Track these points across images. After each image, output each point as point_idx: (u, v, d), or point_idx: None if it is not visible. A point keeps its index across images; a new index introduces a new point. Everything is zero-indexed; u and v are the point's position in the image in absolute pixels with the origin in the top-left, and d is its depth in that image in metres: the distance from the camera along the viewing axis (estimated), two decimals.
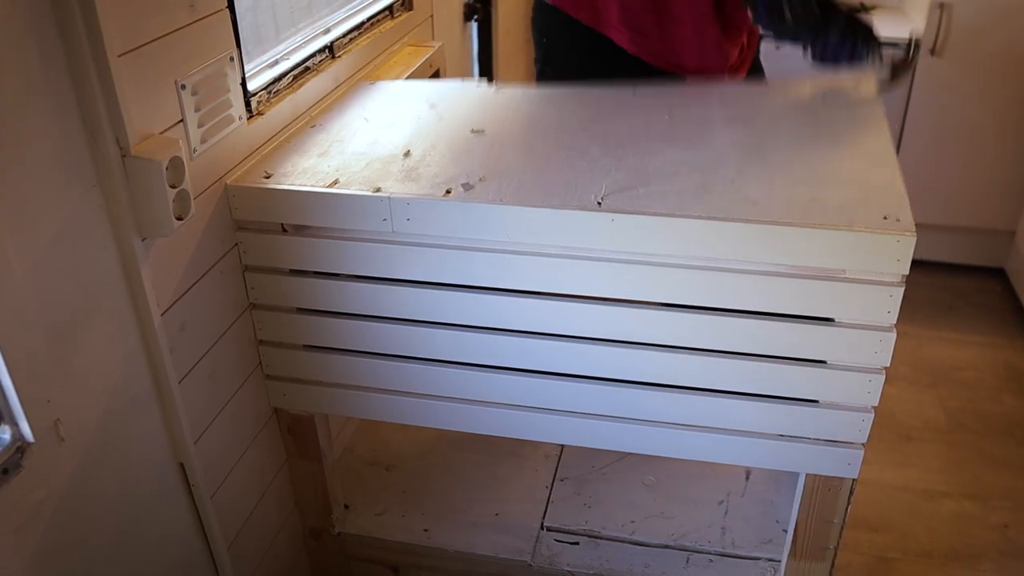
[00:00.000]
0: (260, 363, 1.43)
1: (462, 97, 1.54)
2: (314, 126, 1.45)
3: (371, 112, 1.50)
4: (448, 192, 1.23)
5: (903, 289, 1.16)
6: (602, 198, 1.20)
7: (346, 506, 1.69)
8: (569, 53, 1.60)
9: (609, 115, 1.46)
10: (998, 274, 2.75)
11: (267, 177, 1.29)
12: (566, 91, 1.54)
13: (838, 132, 1.37)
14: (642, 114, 1.44)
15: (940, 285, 2.72)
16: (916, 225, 1.13)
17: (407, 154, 1.34)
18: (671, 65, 1.58)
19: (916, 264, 1.14)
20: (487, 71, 2.49)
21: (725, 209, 1.17)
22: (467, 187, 1.23)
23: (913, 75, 2.49)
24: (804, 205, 1.18)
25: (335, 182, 1.26)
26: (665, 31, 1.54)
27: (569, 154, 1.32)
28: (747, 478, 1.71)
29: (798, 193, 1.21)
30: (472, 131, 1.40)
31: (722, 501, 1.67)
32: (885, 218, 1.15)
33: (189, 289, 1.22)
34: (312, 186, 1.26)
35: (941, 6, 2.40)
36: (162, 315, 1.16)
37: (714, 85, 1.57)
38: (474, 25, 2.37)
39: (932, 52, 2.45)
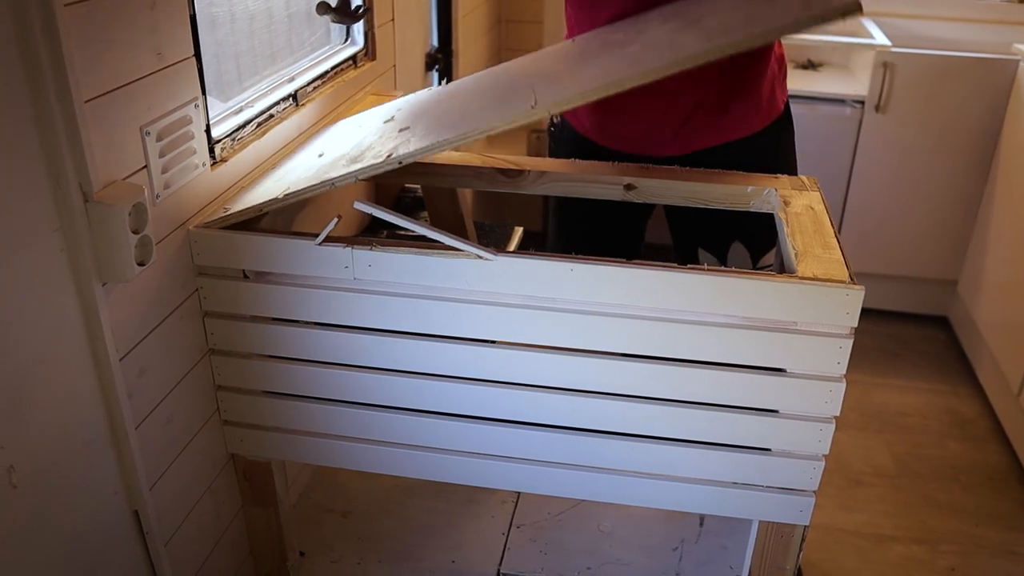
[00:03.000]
0: (218, 408, 1.42)
1: (413, 98, 1.55)
2: (275, 168, 1.47)
3: (327, 142, 1.52)
4: (390, 155, 1.22)
5: (852, 341, 1.20)
6: (535, 103, 1.15)
7: (301, 553, 1.67)
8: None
9: (540, 61, 1.44)
10: (941, 322, 2.84)
11: (226, 211, 1.30)
12: (508, 64, 1.52)
13: None
14: (568, 50, 1.42)
15: (886, 333, 2.79)
16: (863, 275, 1.17)
17: (354, 150, 1.35)
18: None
19: (863, 312, 1.17)
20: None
21: (663, 55, 1.10)
22: (403, 130, 1.23)
23: (859, 131, 2.58)
24: (743, 28, 1.13)
25: (286, 190, 1.28)
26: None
27: (507, 91, 1.30)
28: (701, 525, 1.73)
29: (733, 25, 1.16)
30: (384, 121, 1.42)
31: (676, 548, 1.69)
32: (825, 8, 1.09)
33: (149, 334, 1.22)
34: (268, 199, 1.28)
35: (885, 65, 2.50)
36: (120, 360, 1.15)
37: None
38: (435, 75, 2.41)
39: (877, 109, 2.54)
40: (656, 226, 1.99)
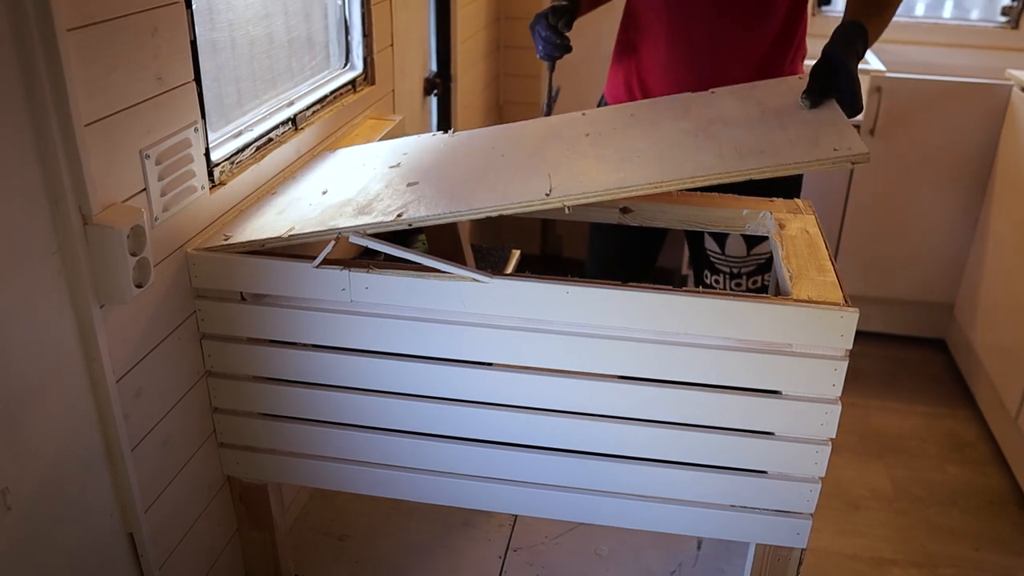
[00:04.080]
0: (214, 431, 1.42)
1: (418, 145, 1.57)
2: (274, 193, 1.48)
3: (330, 177, 1.53)
4: (400, 215, 1.24)
5: (847, 363, 1.20)
6: (550, 190, 1.18)
7: None
8: None
9: (550, 134, 1.47)
10: (939, 345, 2.84)
11: (226, 239, 1.31)
12: (513, 128, 1.55)
13: (783, 113, 1.36)
14: (581, 127, 1.46)
15: (884, 356, 2.80)
16: (860, 298, 1.17)
17: (361, 195, 1.36)
18: None
19: (861, 336, 1.18)
20: None
21: (679, 167, 1.17)
22: (411, 184, 1.25)
23: None
24: (755, 155, 1.19)
25: (290, 229, 1.28)
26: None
27: (520, 168, 1.32)
28: (699, 548, 1.73)
29: (746, 147, 1.22)
30: (390, 167, 1.44)
31: (674, 571, 1.68)
32: (836, 149, 1.16)
33: (146, 356, 1.22)
34: (271, 235, 1.28)
35: (880, 89, 2.52)
36: (117, 382, 1.16)
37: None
38: (434, 99, 2.43)
39: (872, 133, 2.56)
40: (665, 248, 2.03)
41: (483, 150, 1.43)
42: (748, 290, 1.87)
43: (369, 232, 1.24)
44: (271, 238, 1.27)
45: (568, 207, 1.17)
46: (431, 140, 1.58)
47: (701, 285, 1.95)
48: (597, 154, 1.31)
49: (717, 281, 1.90)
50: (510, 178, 1.28)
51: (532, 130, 1.49)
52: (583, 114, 1.53)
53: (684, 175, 1.16)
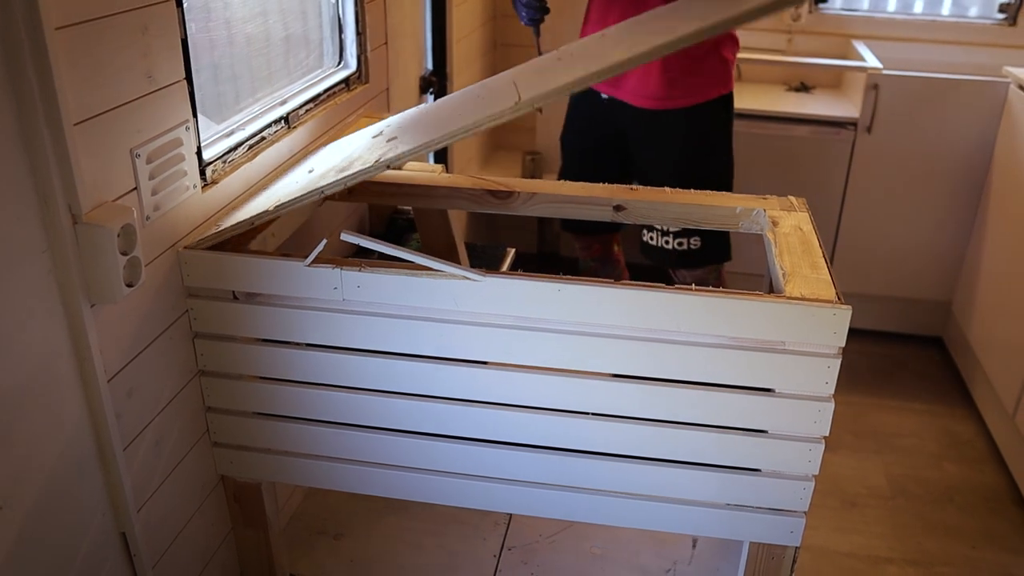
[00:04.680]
0: (208, 430, 1.42)
1: (402, 115, 1.57)
2: (266, 188, 1.47)
3: (317, 160, 1.53)
4: (378, 160, 1.25)
5: (840, 360, 1.20)
6: (519, 98, 1.19)
7: None
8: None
9: (525, 69, 1.45)
10: (936, 343, 2.84)
11: (218, 228, 1.31)
12: (492, 77, 1.55)
13: None
14: (554, 56, 1.45)
15: (881, 354, 2.79)
16: (857, 295, 1.17)
17: (343, 162, 1.36)
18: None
19: (858, 333, 1.17)
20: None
21: (642, 46, 1.19)
22: (391, 140, 1.27)
23: (852, 153, 2.60)
24: (719, 14, 1.19)
25: (277, 202, 1.29)
26: None
27: (492, 96, 1.33)
28: (694, 546, 1.73)
29: (710, 15, 1.21)
30: (373, 136, 1.45)
31: (669, 570, 1.68)
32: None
33: (138, 355, 1.22)
34: (259, 211, 1.28)
35: (876, 87, 2.51)
36: (109, 381, 1.16)
37: None
38: (430, 98, 2.43)
39: (869, 131, 2.56)
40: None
41: (460, 98, 1.47)
42: (675, 251, 2.03)
43: (350, 184, 1.26)
44: (260, 213, 1.28)
45: (539, 108, 1.19)
46: (414, 108, 1.60)
47: (641, 243, 2.13)
48: (567, 66, 1.33)
49: (652, 238, 2.10)
50: (483, 105, 1.29)
51: (510, 72, 1.50)
52: (557, 51, 1.54)
53: (645, 49, 1.17)
